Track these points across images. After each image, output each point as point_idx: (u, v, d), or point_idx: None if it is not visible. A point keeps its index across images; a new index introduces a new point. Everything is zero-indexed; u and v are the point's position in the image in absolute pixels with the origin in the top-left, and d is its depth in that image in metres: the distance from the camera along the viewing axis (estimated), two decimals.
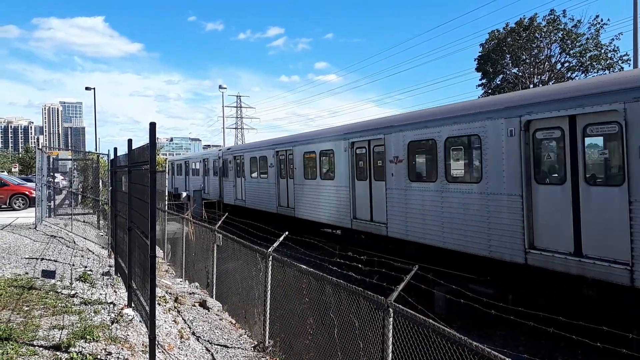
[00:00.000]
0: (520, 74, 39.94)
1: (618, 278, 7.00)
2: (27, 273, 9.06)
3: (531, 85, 37.16)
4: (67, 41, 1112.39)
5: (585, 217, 7.56)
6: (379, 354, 4.80)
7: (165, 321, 7.01)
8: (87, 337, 5.49)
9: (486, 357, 3.57)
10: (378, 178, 12.81)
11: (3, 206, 23.52)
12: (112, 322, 6.25)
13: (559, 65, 38.60)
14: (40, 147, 21.01)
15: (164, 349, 5.91)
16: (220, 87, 52.96)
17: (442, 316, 7.55)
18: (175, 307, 8.23)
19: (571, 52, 37.39)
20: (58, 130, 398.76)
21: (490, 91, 41.19)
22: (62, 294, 7.61)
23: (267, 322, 7.05)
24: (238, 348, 6.93)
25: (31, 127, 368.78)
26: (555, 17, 37.56)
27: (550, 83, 35.63)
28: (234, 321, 8.48)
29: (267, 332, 7.02)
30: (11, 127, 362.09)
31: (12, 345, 5.20)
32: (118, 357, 5.11)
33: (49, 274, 8.83)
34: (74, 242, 13.48)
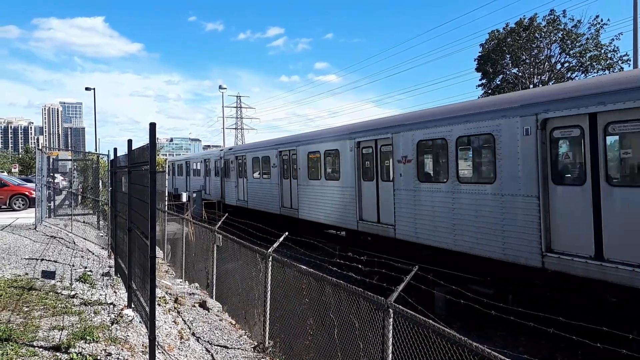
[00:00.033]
0: (520, 74, 39.93)
1: None
2: (27, 274, 9.05)
3: (531, 86, 37.16)
4: (67, 41, 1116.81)
5: (606, 219, 7.21)
6: (379, 354, 4.79)
7: (165, 322, 7.00)
8: (87, 337, 5.49)
9: (486, 357, 3.56)
10: (385, 178, 12.57)
11: (3, 207, 23.53)
12: (112, 323, 6.24)
13: (558, 66, 38.60)
14: (40, 147, 21.02)
15: (164, 350, 5.91)
16: (220, 87, 52.94)
17: (442, 317, 7.53)
18: (175, 308, 8.23)
19: (571, 52, 37.38)
20: (58, 131, 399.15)
21: (490, 91, 41.20)
22: (62, 294, 7.60)
23: (267, 323, 7.04)
24: (238, 349, 6.93)
25: (31, 128, 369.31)
26: (555, 17, 37.57)
27: (550, 83, 35.62)
28: (234, 322, 8.48)
29: (267, 333, 7.01)
30: (11, 127, 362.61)
31: (12, 345, 5.19)
32: (118, 358, 5.11)
33: (48, 275, 8.84)
34: (74, 243, 13.48)
